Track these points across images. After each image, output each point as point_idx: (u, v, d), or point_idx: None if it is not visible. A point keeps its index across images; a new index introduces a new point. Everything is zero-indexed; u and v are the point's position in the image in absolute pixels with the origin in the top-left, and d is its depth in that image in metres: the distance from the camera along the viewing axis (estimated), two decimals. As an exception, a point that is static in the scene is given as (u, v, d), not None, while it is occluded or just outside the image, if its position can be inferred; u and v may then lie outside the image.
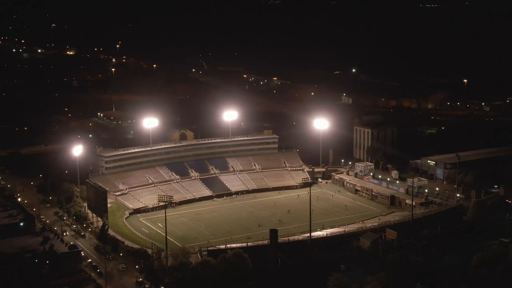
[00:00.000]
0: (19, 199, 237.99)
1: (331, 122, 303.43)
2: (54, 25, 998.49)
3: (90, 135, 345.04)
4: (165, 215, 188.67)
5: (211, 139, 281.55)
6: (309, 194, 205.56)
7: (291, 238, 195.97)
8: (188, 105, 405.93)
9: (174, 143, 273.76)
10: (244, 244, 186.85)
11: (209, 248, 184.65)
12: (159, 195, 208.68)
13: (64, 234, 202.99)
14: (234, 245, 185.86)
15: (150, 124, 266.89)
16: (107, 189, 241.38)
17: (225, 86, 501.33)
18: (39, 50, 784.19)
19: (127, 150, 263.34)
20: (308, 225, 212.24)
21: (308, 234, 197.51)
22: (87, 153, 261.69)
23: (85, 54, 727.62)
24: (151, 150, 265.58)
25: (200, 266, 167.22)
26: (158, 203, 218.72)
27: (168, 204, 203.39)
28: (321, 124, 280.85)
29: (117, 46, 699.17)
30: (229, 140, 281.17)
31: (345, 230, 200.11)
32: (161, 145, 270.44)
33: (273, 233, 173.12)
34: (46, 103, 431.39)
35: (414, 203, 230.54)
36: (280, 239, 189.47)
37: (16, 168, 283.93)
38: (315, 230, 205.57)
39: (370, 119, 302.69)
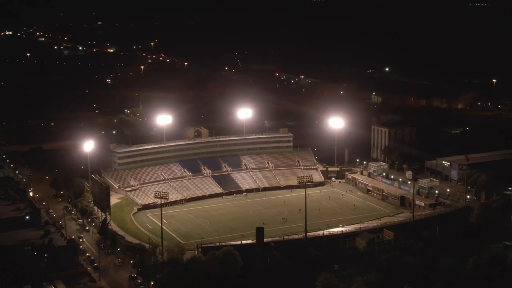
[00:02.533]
0: (31, 193, 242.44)
1: (352, 122, 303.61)
2: (100, 22, 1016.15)
3: (114, 131, 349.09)
4: (161, 212, 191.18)
5: (225, 137, 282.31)
6: (305, 193, 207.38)
7: (287, 237, 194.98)
8: (211, 103, 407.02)
9: (188, 140, 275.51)
10: (238, 242, 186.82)
11: (203, 245, 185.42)
12: (155, 192, 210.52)
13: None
14: (231, 243, 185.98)
15: (163, 121, 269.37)
16: (118, 184, 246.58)
17: (256, 84, 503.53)
18: (80, 48, 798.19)
19: (140, 146, 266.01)
20: (313, 224, 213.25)
21: (311, 233, 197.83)
22: (105, 149, 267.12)
23: (124, 52, 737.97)
24: (164, 147, 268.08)
25: (190, 262, 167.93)
26: (160, 200, 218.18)
27: (164, 200, 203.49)
28: (336, 123, 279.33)
29: (152, 44, 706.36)
30: (243, 138, 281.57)
31: (342, 230, 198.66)
32: (174, 142, 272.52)
33: (259, 231, 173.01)
34: (76, 99, 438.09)
35: (423, 204, 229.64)
36: (275, 238, 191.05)
37: (35, 163, 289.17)
38: (319, 230, 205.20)
39: (389, 119, 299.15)
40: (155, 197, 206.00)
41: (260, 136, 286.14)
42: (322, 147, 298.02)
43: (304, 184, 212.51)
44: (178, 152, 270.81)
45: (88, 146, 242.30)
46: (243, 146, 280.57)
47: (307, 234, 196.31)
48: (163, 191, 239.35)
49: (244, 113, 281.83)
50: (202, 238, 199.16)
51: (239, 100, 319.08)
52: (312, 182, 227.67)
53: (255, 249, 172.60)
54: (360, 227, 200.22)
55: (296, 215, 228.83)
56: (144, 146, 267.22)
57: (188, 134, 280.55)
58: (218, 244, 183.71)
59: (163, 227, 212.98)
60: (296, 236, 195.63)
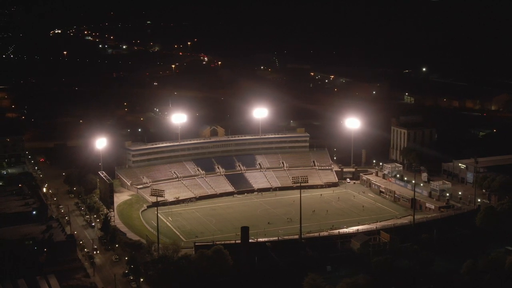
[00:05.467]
0: (44, 189, 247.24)
1: (374, 122, 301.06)
2: (148, 22, 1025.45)
3: (139, 129, 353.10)
4: (157, 211, 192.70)
5: (241, 136, 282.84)
6: (300, 194, 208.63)
7: (282, 237, 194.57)
8: (235, 102, 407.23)
9: (204, 139, 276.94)
10: (232, 241, 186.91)
11: (197, 243, 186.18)
12: (151, 189, 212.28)
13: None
14: (225, 242, 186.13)
15: (178, 120, 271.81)
16: (130, 181, 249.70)
17: (289, 84, 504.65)
18: (124, 46, 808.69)
19: (155, 144, 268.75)
20: (319, 225, 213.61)
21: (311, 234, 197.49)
22: (121, 147, 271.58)
23: (166, 51, 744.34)
24: (178, 145, 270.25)
25: (181, 260, 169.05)
26: (156, 198, 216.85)
27: (161, 198, 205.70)
28: (352, 123, 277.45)
29: (189, 43, 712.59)
30: (258, 137, 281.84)
31: (339, 232, 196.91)
32: (189, 140, 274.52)
33: (244, 230, 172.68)
34: (109, 97, 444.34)
35: (433, 207, 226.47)
36: (272, 238, 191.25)
37: (57, 159, 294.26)
38: (322, 231, 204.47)
39: (408, 120, 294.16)
40: (151, 195, 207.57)
41: (276, 136, 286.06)
42: (343, 148, 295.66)
43: (299, 185, 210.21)
44: (192, 150, 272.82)
45: (100, 143, 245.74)
46: (258, 146, 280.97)
47: (304, 235, 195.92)
48: (175, 189, 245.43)
49: (260, 112, 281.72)
50: (196, 237, 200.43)
51: (263, 100, 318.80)
52: (307, 182, 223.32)
53: (241, 248, 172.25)
54: (357, 229, 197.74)
55: (308, 215, 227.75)
56: (158, 144, 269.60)
57: (204, 133, 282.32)
58: (212, 243, 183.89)
59: (169, 224, 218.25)
60: (292, 237, 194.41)
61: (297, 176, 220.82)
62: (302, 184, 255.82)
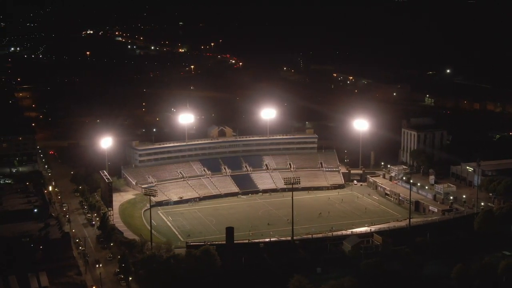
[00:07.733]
0: (50, 188, 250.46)
1: (385, 124, 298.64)
2: (181, 23, 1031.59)
3: (154, 129, 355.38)
4: (150, 211, 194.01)
5: (248, 137, 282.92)
6: (292, 195, 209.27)
7: (274, 239, 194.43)
8: (251, 103, 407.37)
9: (211, 139, 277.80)
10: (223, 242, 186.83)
11: (190, 243, 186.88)
12: (145, 189, 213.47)
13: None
14: (216, 242, 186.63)
15: (185, 120, 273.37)
16: (135, 181, 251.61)
17: (311, 85, 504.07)
18: (152, 47, 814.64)
19: (162, 144, 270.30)
20: (319, 227, 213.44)
21: (312, 235, 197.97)
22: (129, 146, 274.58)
23: (194, 52, 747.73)
24: (185, 145, 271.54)
25: (170, 259, 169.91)
26: (149, 198, 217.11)
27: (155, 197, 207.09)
28: (361, 124, 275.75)
29: (212, 44, 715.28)
30: (265, 138, 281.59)
31: (332, 234, 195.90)
32: (196, 141, 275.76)
33: (229, 231, 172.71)
34: (128, 97, 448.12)
35: (436, 210, 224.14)
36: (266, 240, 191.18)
37: (69, 157, 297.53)
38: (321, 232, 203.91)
39: (419, 122, 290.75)
40: (144, 194, 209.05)
41: (284, 137, 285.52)
42: (354, 149, 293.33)
43: (292, 186, 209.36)
44: (199, 150, 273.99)
45: (106, 142, 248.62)
46: (266, 147, 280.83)
47: (301, 236, 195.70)
48: (179, 189, 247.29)
49: (268, 113, 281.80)
50: (188, 236, 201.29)
51: (279, 100, 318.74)
52: (299, 183, 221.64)
53: (226, 249, 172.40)
54: (351, 231, 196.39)
55: (313, 217, 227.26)
56: (165, 144, 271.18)
57: (212, 133, 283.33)
58: (204, 243, 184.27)
59: (169, 223, 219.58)
60: (284, 238, 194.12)
61: (289, 177, 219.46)
62: (308, 186, 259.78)
